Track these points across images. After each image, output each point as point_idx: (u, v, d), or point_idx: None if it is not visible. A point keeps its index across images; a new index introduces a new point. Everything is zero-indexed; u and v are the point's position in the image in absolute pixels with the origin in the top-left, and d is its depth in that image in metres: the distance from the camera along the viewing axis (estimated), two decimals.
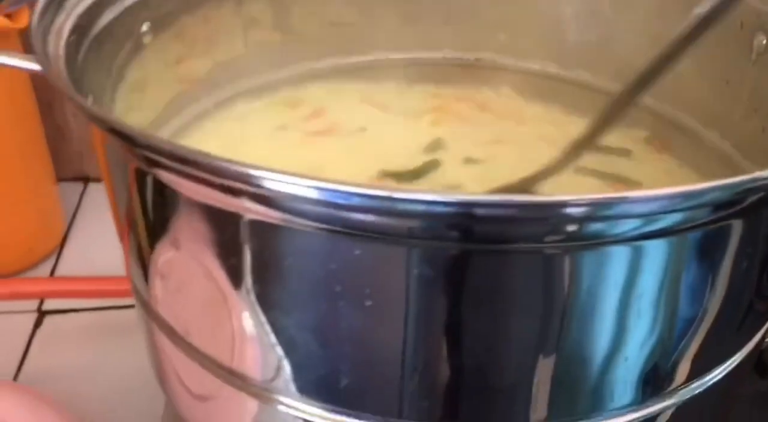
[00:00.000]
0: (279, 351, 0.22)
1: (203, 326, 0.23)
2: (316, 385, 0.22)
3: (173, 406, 0.29)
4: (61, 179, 0.53)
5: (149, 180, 0.22)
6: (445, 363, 0.21)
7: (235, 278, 0.21)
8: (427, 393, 0.21)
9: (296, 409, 0.23)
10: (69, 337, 0.44)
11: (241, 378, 0.23)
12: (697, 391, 0.24)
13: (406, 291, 0.19)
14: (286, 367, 0.22)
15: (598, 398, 0.22)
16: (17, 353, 0.43)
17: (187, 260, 0.22)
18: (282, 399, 0.23)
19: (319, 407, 0.22)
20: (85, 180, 0.57)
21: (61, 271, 0.50)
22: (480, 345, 0.20)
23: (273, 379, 0.23)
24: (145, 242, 0.24)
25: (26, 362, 0.43)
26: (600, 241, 0.19)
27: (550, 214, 0.17)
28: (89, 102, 0.26)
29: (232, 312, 0.22)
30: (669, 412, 0.24)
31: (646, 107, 0.37)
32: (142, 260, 0.25)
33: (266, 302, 0.21)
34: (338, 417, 0.22)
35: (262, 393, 0.23)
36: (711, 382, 0.24)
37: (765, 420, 0.37)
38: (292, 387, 0.22)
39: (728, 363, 0.24)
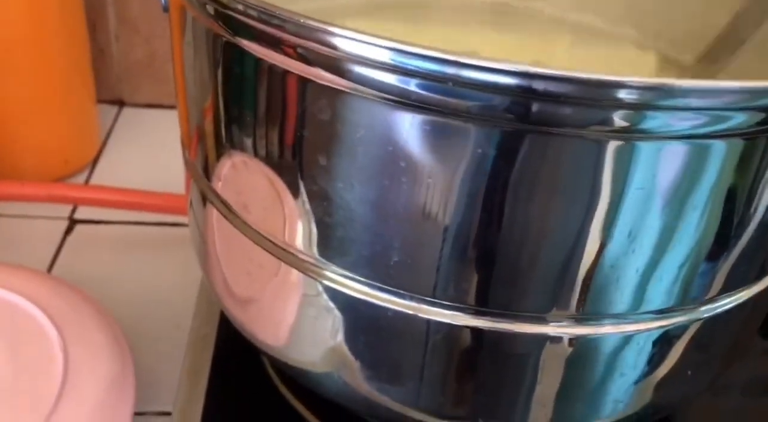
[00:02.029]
0: (334, 225, 0.23)
1: (264, 201, 0.25)
2: (366, 261, 0.23)
3: (215, 294, 0.30)
4: (98, 100, 0.54)
5: (226, 48, 0.23)
6: (483, 247, 0.22)
7: (301, 150, 0.22)
8: (464, 275, 0.23)
9: (343, 285, 0.24)
10: (98, 247, 0.46)
11: (294, 254, 0.25)
12: (727, 307, 0.25)
13: (463, 170, 0.21)
14: (340, 242, 0.23)
15: (631, 299, 0.23)
16: (46, 259, 0.44)
17: (255, 131, 0.23)
18: (330, 275, 0.24)
19: (364, 283, 0.24)
20: (121, 104, 0.58)
21: None
22: (522, 232, 0.21)
23: (325, 254, 0.24)
24: (214, 116, 0.25)
25: (54, 268, 0.44)
26: (656, 134, 0.20)
27: (608, 94, 0.18)
28: None
29: (294, 185, 0.23)
30: (695, 326, 0.25)
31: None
32: (209, 134, 0.26)
33: (329, 175, 0.22)
34: (382, 295, 0.24)
35: (313, 268, 0.24)
36: (741, 301, 0.25)
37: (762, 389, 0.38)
38: (343, 263, 0.24)
39: (761, 283, 0.25)
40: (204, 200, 0.28)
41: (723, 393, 0.35)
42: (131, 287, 0.42)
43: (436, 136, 0.21)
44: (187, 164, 0.30)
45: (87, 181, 0.51)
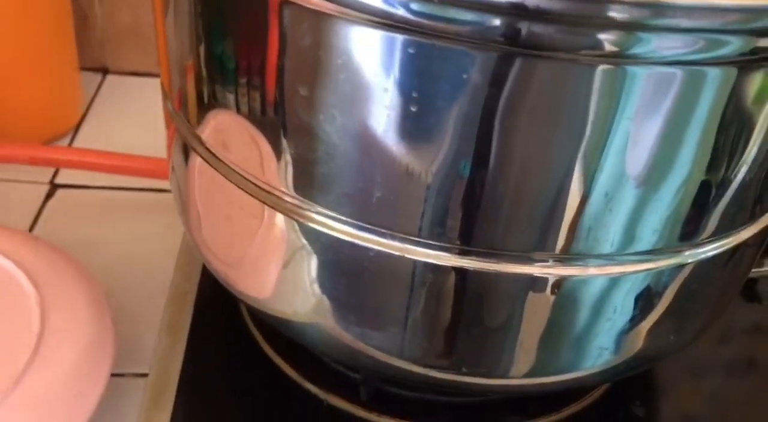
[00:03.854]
0: (316, 161, 0.22)
1: (244, 140, 0.24)
2: (350, 199, 0.23)
3: (197, 246, 0.30)
4: (81, 67, 0.53)
5: None
6: (471, 179, 0.21)
7: (282, 81, 0.22)
8: (450, 212, 0.22)
9: (327, 226, 0.24)
10: (79, 212, 0.45)
11: (276, 194, 0.24)
12: (717, 251, 0.25)
13: (448, 95, 0.20)
14: (323, 179, 0.23)
15: (619, 238, 0.23)
16: (26, 223, 0.43)
17: (237, 62, 0.23)
18: (313, 215, 0.24)
19: (347, 223, 0.23)
20: (104, 71, 0.57)
21: None
22: (510, 163, 0.21)
23: (307, 193, 0.23)
24: (194, 54, 0.24)
25: (35, 232, 0.43)
26: (648, 59, 0.19)
27: (598, 11, 0.18)
28: None
29: (275, 121, 0.23)
30: (684, 270, 0.25)
31: None
32: (189, 74, 0.25)
33: (311, 106, 0.22)
34: (364, 234, 0.23)
35: (295, 209, 0.24)
36: (730, 245, 0.25)
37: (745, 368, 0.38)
38: (326, 202, 0.23)
39: (753, 225, 0.25)
40: (185, 148, 0.28)
41: (706, 375, 0.35)
42: (112, 252, 0.42)
43: (422, 61, 0.20)
44: (169, 113, 0.29)
45: (70, 146, 0.50)
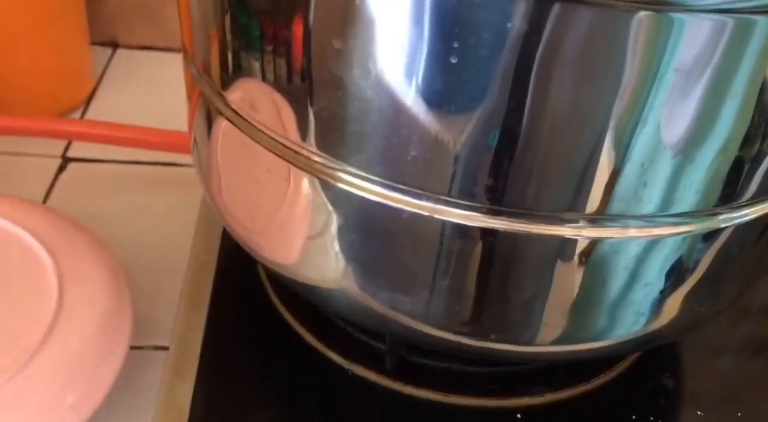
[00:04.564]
0: (348, 118, 0.22)
1: (273, 99, 0.23)
2: (382, 158, 0.22)
3: (219, 213, 0.29)
4: (91, 42, 0.52)
5: None
6: (504, 135, 0.21)
7: (314, 35, 0.21)
8: (482, 168, 0.21)
9: (357, 187, 0.23)
10: (92, 185, 0.44)
11: (305, 154, 0.23)
12: (757, 215, 0.24)
13: (489, 45, 0.19)
14: (354, 137, 0.22)
15: (658, 198, 0.22)
16: (39, 196, 0.43)
17: (266, 16, 0.22)
18: (344, 175, 0.23)
19: (379, 183, 0.23)
20: (115, 46, 0.56)
21: None
22: (545, 118, 0.20)
23: (337, 153, 0.23)
24: (221, 15, 0.24)
25: (47, 205, 0.42)
26: (692, 6, 0.18)
27: None
28: None
29: (306, 77, 0.22)
30: (724, 234, 0.24)
31: None
32: (214, 32, 0.25)
33: (345, 59, 0.21)
34: (395, 195, 0.23)
35: (325, 169, 0.23)
36: (763, 217, 0.24)
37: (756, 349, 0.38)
38: (357, 162, 0.23)
39: None
40: (209, 113, 0.27)
41: (717, 354, 0.35)
42: (126, 226, 0.41)
43: (460, 9, 0.19)
44: (192, 76, 0.29)
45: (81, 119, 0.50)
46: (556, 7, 0.19)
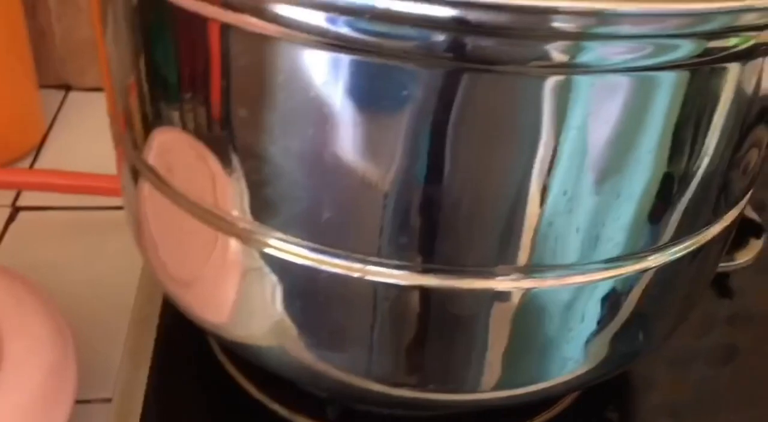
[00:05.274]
0: (264, 182, 0.22)
1: (190, 163, 0.23)
2: (300, 220, 0.22)
3: (153, 273, 0.29)
4: (42, 85, 0.52)
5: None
6: (426, 196, 0.21)
7: (225, 104, 0.21)
8: (405, 229, 0.21)
9: (280, 249, 0.23)
10: (43, 234, 0.44)
11: (225, 218, 0.23)
12: (678, 255, 0.24)
13: (396, 113, 0.19)
14: (271, 201, 0.22)
15: (579, 248, 0.22)
16: None
17: (177, 83, 0.22)
18: (265, 238, 0.23)
19: (301, 245, 0.22)
20: (66, 88, 0.56)
21: None
22: (465, 178, 0.20)
23: (256, 216, 0.23)
24: (136, 76, 0.24)
25: None
26: (597, 67, 0.19)
27: (544, 22, 0.17)
28: None
29: (219, 143, 0.22)
30: (647, 276, 0.24)
31: None
32: (133, 98, 0.24)
33: (254, 127, 0.21)
34: (320, 257, 0.22)
35: (245, 233, 0.23)
36: (692, 248, 0.24)
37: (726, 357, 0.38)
38: (277, 224, 0.22)
39: (716, 224, 0.25)
40: (135, 173, 0.27)
41: (686, 364, 0.35)
42: (76, 274, 0.41)
43: (366, 79, 0.19)
44: (115, 136, 0.28)
45: (31, 167, 0.49)
46: (464, 76, 0.19)
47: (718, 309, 0.39)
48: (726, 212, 0.26)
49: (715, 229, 0.25)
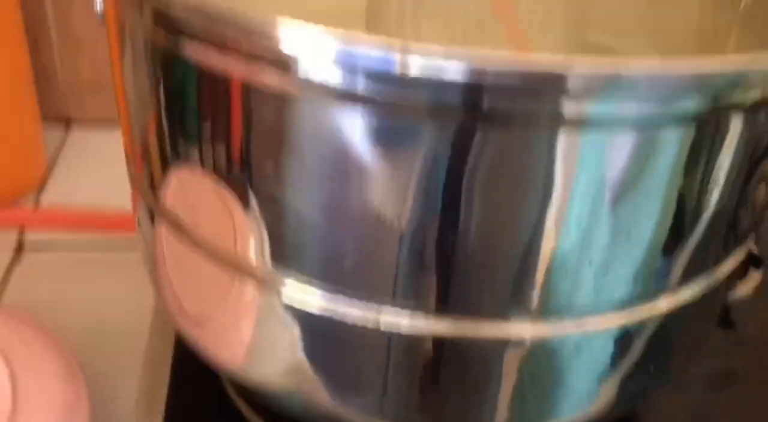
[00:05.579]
0: (286, 233, 0.22)
1: (213, 214, 0.24)
2: (317, 267, 0.22)
3: (168, 314, 0.29)
4: (44, 119, 0.52)
5: (167, 57, 0.22)
6: (440, 245, 0.21)
7: (248, 158, 0.22)
8: (419, 277, 0.22)
9: (301, 296, 0.23)
10: (49, 273, 0.44)
11: (247, 266, 0.24)
12: (688, 296, 0.25)
13: (412, 166, 0.20)
14: (293, 250, 0.23)
15: (591, 294, 0.23)
16: None
17: (200, 143, 0.22)
18: (286, 286, 0.23)
19: (321, 293, 0.23)
20: (68, 122, 0.56)
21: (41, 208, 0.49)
22: (479, 227, 0.21)
23: (279, 265, 0.23)
24: (157, 128, 0.24)
25: (3, 298, 0.42)
26: (608, 122, 0.19)
27: (556, 82, 0.18)
28: None
29: (243, 195, 0.22)
30: (657, 319, 0.24)
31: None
32: (153, 147, 0.25)
33: (278, 181, 0.21)
34: (335, 303, 0.23)
35: (267, 280, 0.23)
36: (700, 289, 0.25)
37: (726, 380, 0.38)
38: (299, 273, 0.23)
39: (721, 267, 0.25)
40: (152, 216, 0.27)
41: (685, 388, 0.35)
42: (86, 314, 0.41)
43: (385, 134, 0.20)
44: (133, 179, 0.29)
45: (36, 203, 0.49)
46: (478, 132, 0.19)
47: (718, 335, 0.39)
48: (735, 249, 0.26)
49: (726, 266, 0.26)
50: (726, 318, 0.40)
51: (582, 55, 0.23)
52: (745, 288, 0.39)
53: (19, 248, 0.45)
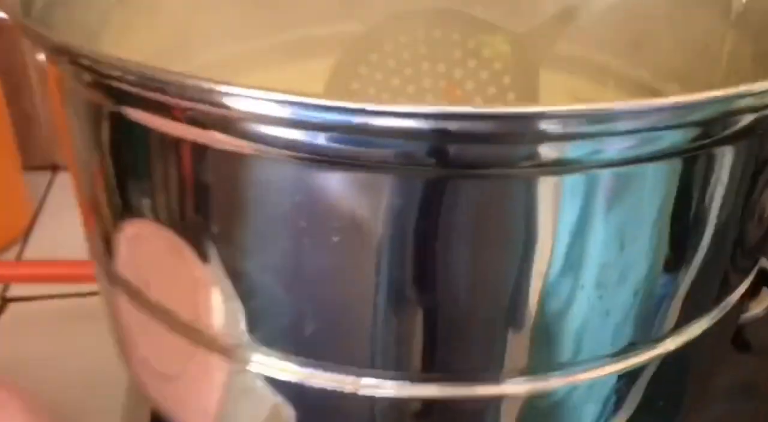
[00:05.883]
0: (243, 298, 0.20)
1: (164, 278, 0.22)
2: (283, 334, 0.21)
3: (137, 383, 0.28)
4: (28, 167, 0.51)
5: (110, 119, 0.20)
6: (418, 305, 0.19)
7: (195, 219, 0.20)
8: (399, 339, 0.20)
9: (263, 364, 0.21)
10: (33, 325, 0.42)
11: (204, 333, 0.22)
12: (688, 338, 0.23)
13: (376, 224, 0.18)
14: (250, 316, 0.21)
15: (584, 344, 0.21)
16: None
17: (150, 205, 0.21)
18: (251, 354, 0.21)
19: (287, 359, 0.21)
20: (54, 169, 0.55)
21: (26, 259, 0.48)
22: (459, 285, 0.19)
23: (237, 331, 0.21)
24: (105, 191, 0.23)
25: None
26: (588, 163, 0.18)
27: (529, 127, 0.16)
28: None
29: (191, 259, 0.21)
30: (655, 363, 0.23)
31: (626, 76, 0.36)
32: (103, 212, 0.23)
33: (226, 243, 0.20)
34: (307, 370, 0.21)
35: (228, 348, 0.22)
36: (698, 332, 0.23)
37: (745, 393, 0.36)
38: (260, 339, 0.21)
39: (713, 313, 0.23)
40: (111, 284, 0.26)
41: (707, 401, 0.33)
42: (70, 365, 0.39)
43: (346, 190, 0.18)
44: (91, 249, 0.27)
45: (20, 253, 0.48)
46: (448, 183, 0.18)
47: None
48: (745, 276, 0.24)
49: (736, 294, 0.24)
50: (741, 339, 0.38)
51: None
52: (757, 307, 0.37)
53: (4, 299, 0.44)
